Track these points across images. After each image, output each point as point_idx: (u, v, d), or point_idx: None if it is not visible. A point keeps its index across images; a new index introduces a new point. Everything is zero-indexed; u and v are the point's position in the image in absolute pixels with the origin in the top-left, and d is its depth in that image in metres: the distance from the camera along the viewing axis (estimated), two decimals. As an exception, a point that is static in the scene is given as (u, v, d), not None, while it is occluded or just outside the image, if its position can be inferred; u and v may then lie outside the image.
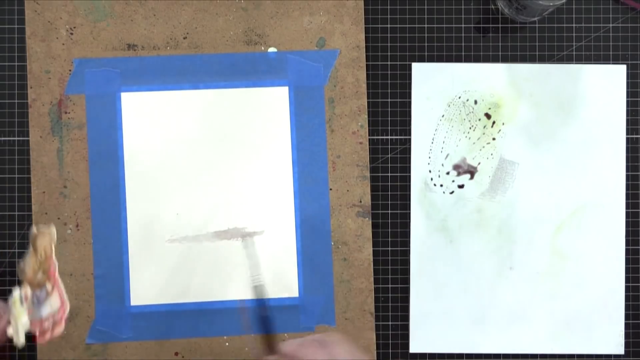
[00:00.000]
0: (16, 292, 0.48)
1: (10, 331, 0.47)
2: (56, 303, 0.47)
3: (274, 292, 0.58)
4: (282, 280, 0.58)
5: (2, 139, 0.59)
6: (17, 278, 0.59)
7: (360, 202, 0.58)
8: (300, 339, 0.46)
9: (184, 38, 0.58)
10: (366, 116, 0.59)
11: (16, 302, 0.48)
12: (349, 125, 0.58)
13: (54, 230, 0.49)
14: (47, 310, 0.47)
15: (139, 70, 0.58)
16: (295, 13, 0.58)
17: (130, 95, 0.58)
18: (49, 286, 0.48)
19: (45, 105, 0.58)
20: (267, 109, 0.58)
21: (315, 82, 0.58)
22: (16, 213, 0.59)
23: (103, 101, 0.58)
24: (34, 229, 0.49)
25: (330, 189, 0.58)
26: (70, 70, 0.58)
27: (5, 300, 0.49)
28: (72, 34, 0.58)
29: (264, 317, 0.52)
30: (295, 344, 0.46)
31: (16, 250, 0.59)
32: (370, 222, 0.59)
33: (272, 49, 0.58)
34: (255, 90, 0.58)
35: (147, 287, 0.58)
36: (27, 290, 0.48)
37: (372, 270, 0.58)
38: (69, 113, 0.58)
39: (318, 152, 0.58)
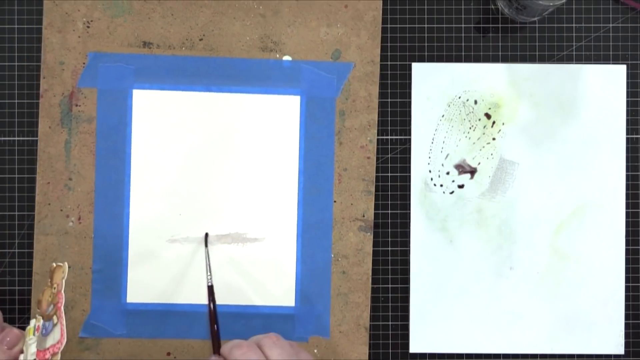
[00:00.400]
0: (32, 322, 0.50)
1: (21, 359, 0.50)
2: (57, 336, 0.49)
3: (270, 300, 0.58)
4: (279, 289, 0.58)
5: (2, 138, 0.59)
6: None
7: (364, 216, 0.58)
8: (239, 340, 0.47)
9: (200, 40, 0.58)
10: (375, 131, 0.58)
11: (29, 332, 0.50)
12: (357, 139, 0.58)
13: (66, 266, 0.50)
14: (50, 342, 0.49)
15: (152, 69, 0.58)
16: (313, 23, 0.58)
17: (142, 92, 0.58)
18: (55, 319, 0.49)
19: (56, 96, 0.58)
20: (278, 116, 0.58)
21: (327, 93, 0.58)
22: (16, 213, 0.59)
23: (115, 96, 0.58)
24: (53, 264, 0.51)
25: (335, 202, 0.58)
26: (84, 63, 0.58)
27: (23, 329, 0.51)
28: (88, 27, 0.58)
29: (212, 317, 0.55)
30: (231, 344, 0.47)
31: (16, 250, 0.59)
32: (372, 237, 0.58)
33: (287, 57, 0.58)
34: (267, 97, 0.58)
35: (145, 285, 0.58)
36: (40, 321, 0.50)
37: (371, 286, 0.58)
38: (80, 106, 0.58)
39: (325, 164, 0.58)
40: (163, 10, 0.58)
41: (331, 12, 0.58)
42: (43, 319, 0.50)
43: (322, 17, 0.58)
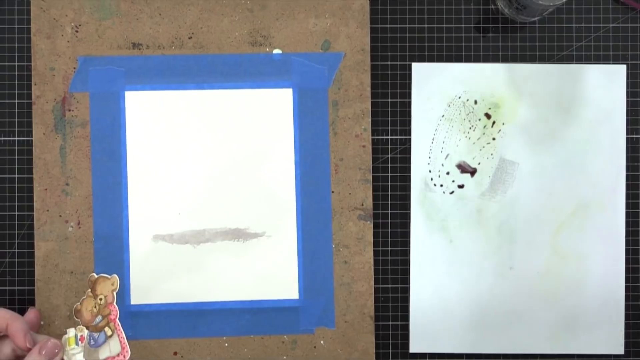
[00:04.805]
0: (71, 332, 0.51)
1: None
2: (116, 348, 0.49)
3: (274, 294, 0.58)
4: (283, 282, 0.58)
5: (1, 139, 0.59)
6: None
7: (362, 205, 0.58)
8: None
9: (189, 38, 0.58)
10: (369, 119, 0.58)
11: (70, 342, 0.51)
12: (352, 129, 0.59)
13: (116, 279, 0.51)
14: (106, 353, 0.49)
15: (143, 69, 0.58)
16: (301, 15, 0.58)
17: (134, 94, 0.58)
18: (108, 331, 0.50)
19: (49, 102, 0.58)
20: (271, 110, 0.58)
21: (319, 84, 0.58)
22: (16, 213, 0.59)
23: (107, 99, 0.58)
24: (93, 275, 0.52)
25: (332, 192, 0.58)
26: (74, 68, 0.58)
27: (60, 338, 0.51)
28: (77, 31, 0.58)
29: None
30: None
31: (16, 251, 0.59)
32: (372, 225, 0.58)
33: (277, 51, 0.58)
34: (259, 91, 0.58)
35: (147, 286, 0.58)
36: (84, 331, 0.51)
37: (373, 274, 0.58)
38: (73, 111, 0.58)
39: (321, 155, 0.58)
40: (151, 11, 0.58)
41: (319, 3, 0.58)
42: (88, 329, 0.51)
43: (309, 8, 0.58)
